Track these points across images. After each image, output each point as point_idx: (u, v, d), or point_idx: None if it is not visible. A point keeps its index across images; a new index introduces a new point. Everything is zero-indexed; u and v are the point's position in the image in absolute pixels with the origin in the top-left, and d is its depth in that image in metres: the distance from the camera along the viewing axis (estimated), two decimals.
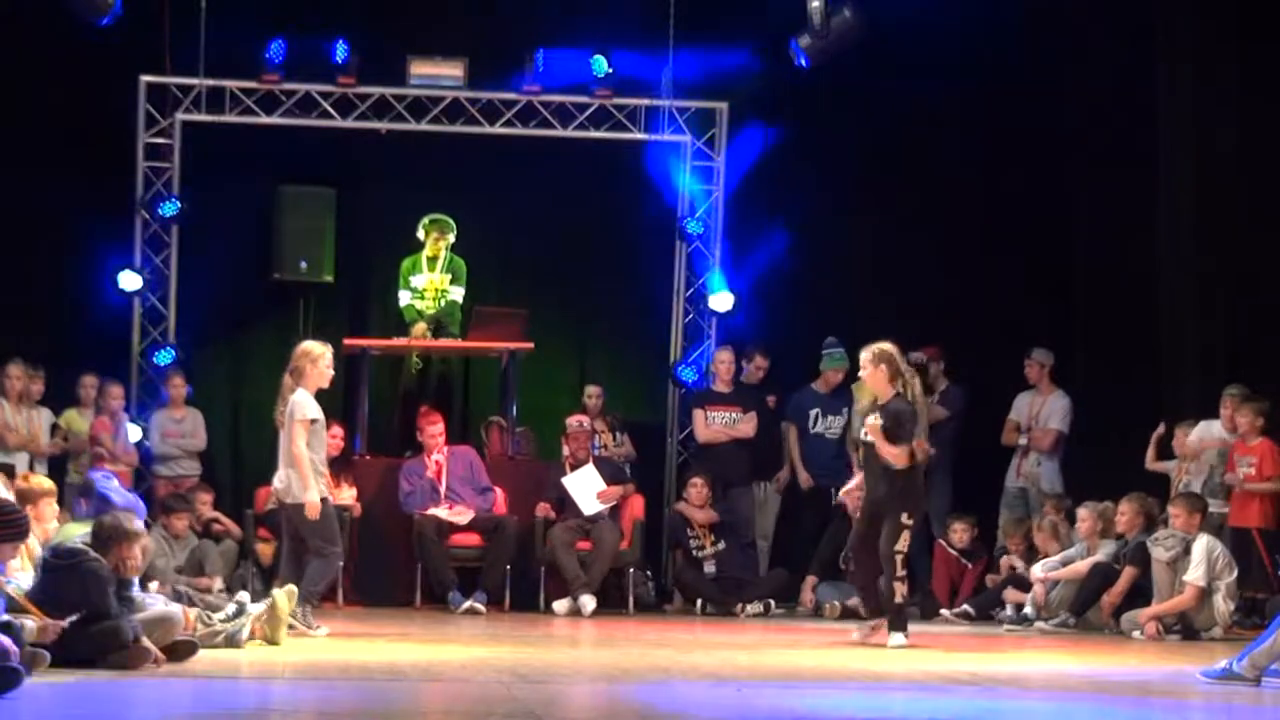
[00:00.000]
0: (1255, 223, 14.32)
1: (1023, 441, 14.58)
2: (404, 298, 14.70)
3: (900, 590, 11.14)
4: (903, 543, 11.06)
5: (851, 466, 14.21)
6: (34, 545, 9.62)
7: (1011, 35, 15.38)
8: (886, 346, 11.22)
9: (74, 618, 8.62)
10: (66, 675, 8.37)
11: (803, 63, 14.78)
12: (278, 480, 11.37)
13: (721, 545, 14.20)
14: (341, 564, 11.73)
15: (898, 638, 11.14)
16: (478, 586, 13.54)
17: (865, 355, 11.27)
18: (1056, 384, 14.71)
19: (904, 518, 11.06)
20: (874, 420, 11.06)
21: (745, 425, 14.70)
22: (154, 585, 11.12)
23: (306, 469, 11.14)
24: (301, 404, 11.20)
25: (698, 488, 14.26)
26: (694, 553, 14.22)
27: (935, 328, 14.96)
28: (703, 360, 15.31)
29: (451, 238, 14.65)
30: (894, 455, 11.00)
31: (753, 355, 14.99)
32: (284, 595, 10.56)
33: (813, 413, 14.72)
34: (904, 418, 11.05)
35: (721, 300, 15.30)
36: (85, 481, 11.16)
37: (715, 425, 14.73)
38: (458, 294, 14.69)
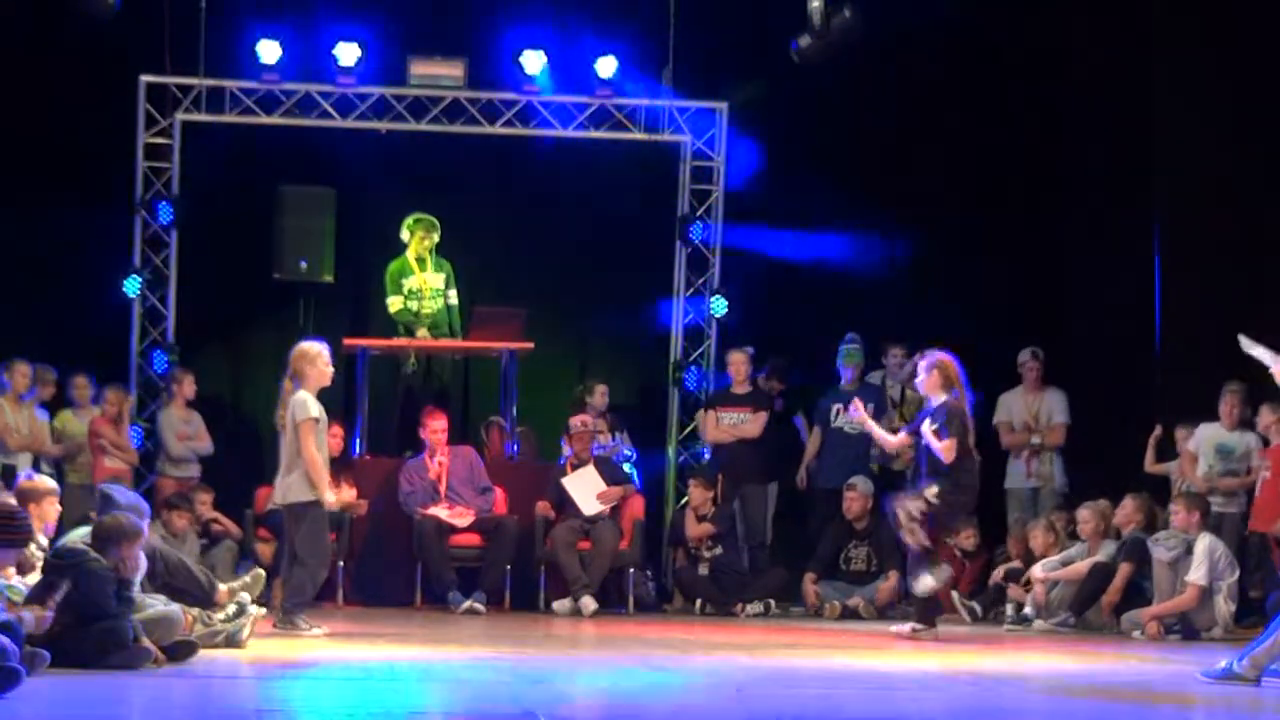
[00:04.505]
0: (1256, 222, 14.32)
1: (1036, 441, 14.54)
2: (395, 303, 14.58)
3: (916, 538, 11.44)
4: (916, 507, 11.45)
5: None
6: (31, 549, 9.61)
7: (1010, 34, 15.39)
8: (943, 356, 11.68)
9: (59, 594, 8.59)
10: (66, 675, 8.36)
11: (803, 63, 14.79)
12: (279, 482, 11.34)
13: (719, 550, 14.20)
14: (324, 575, 11.64)
15: (926, 580, 11.51)
16: (478, 586, 13.53)
17: (923, 363, 11.77)
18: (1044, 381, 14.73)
19: (929, 493, 11.45)
20: (929, 424, 11.59)
21: (750, 426, 14.65)
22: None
23: (321, 470, 11.09)
24: (304, 404, 11.14)
25: (693, 489, 14.24)
26: (692, 551, 14.25)
27: (933, 327, 14.93)
28: (703, 362, 15.29)
29: (436, 237, 14.55)
30: (942, 449, 11.43)
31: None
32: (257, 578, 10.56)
33: (835, 408, 14.67)
34: (951, 415, 11.52)
35: (718, 303, 15.28)
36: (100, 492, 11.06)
37: (723, 425, 14.71)
38: (454, 297, 14.66)
